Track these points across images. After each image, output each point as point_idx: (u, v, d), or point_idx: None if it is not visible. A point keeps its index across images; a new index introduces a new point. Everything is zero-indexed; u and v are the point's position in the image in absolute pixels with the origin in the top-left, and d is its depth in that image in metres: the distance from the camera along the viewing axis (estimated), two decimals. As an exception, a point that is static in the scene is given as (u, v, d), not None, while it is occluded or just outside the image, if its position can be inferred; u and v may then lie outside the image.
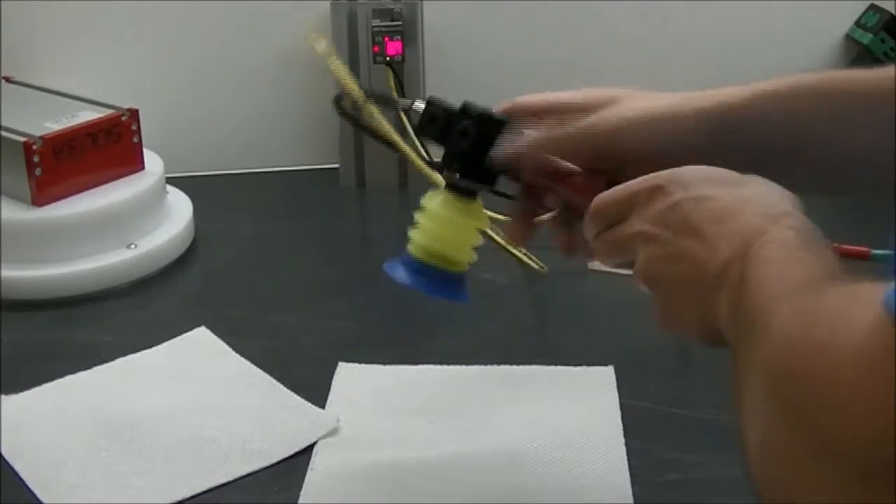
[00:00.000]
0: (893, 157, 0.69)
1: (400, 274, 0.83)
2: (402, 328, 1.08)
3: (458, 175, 0.83)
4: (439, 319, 1.07)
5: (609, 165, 0.75)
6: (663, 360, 1.03)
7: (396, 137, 0.91)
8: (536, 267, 1.15)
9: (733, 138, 0.74)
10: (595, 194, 0.73)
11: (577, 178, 0.78)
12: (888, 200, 0.74)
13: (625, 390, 0.95)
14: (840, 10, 1.46)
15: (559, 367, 0.99)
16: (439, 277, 0.83)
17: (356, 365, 1.00)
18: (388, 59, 1.33)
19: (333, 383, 0.97)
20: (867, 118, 0.70)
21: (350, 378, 0.98)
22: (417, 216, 0.84)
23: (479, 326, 1.06)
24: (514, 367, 0.99)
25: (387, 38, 1.33)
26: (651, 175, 0.69)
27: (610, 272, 1.14)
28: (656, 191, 0.67)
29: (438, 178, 0.97)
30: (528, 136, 0.78)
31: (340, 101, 0.87)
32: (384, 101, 0.89)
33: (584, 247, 0.76)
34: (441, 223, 0.83)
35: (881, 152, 0.70)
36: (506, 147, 0.78)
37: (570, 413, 0.92)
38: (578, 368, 0.98)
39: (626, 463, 0.86)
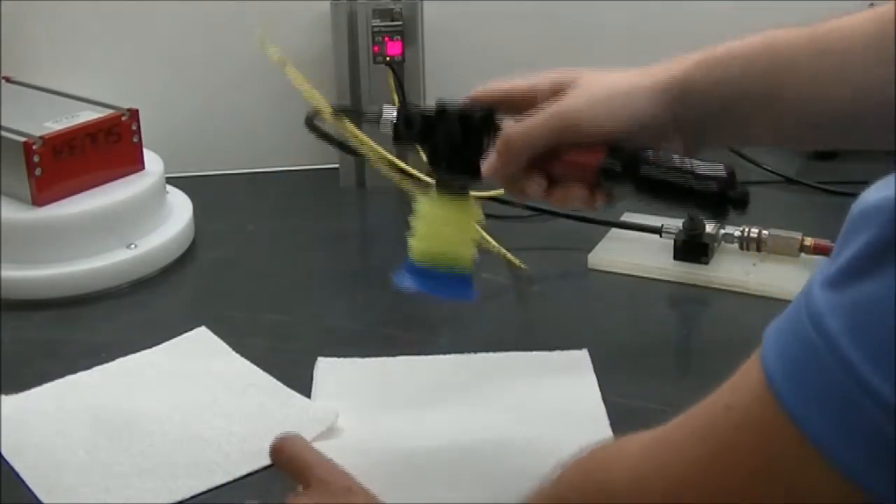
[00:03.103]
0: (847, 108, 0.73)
1: (406, 281, 0.85)
2: (403, 328, 1.08)
3: (445, 173, 0.84)
4: (441, 319, 1.07)
5: (584, 140, 0.79)
6: (659, 359, 1.03)
7: (375, 148, 0.91)
8: (520, 265, 1.15)
9: (689, 101, 0.78)
10: (593, 159, 0.78)
11: (571, 155, 0.80)
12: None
13: (618, 389, 0.95)
14: (840, 10, 1.46)
15: (536, 353, 1.00)
16: (444, 279, 0.85)
17: (335, 359, 1.00)
18: (388, 59, 1.33)
19: (315, 379, 0.98)
20: (815, 72, 0.74)
21: (331, 373, 0.99)
22: (413, 222, 0.85)
23: (482, 326, 1.06)
24: (492, 354, 0.99)
25: (387, 38, 1.33)
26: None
27: (609, 272, 1.15)
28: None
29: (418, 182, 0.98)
30: (503, 135, 0.80)
31: (313, 120, 0.89)
32: (352, 113, 0.90)
33: (603, 193, 0.80)
34: (437, 224, 0.84)
35: (834, 105, 0.73)
36: (488, 155, 0.81)
37: (553, 396, 0.94)
38: (554, 353, 1.00)
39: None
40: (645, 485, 0.51)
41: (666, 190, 0.77)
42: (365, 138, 0.91)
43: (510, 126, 0.80)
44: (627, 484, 0.52)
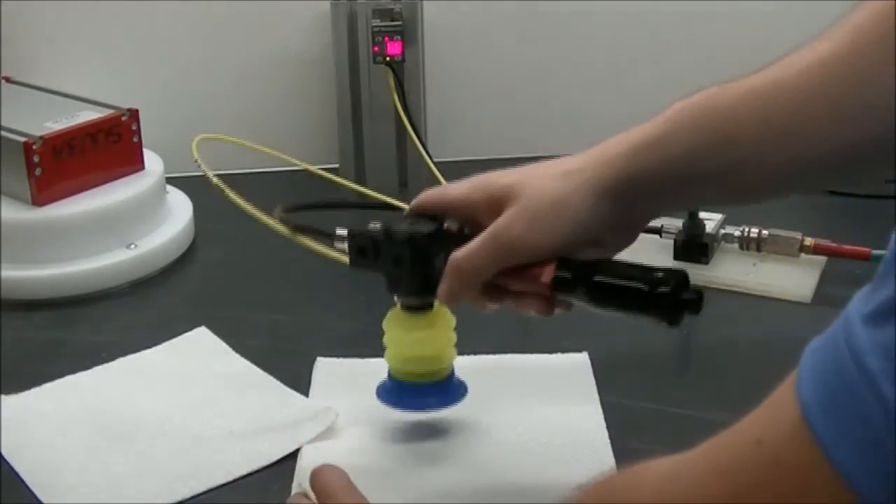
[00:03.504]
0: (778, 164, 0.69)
1: (390, 400, 0.86)
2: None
3: (404, 297, 0.83)
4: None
5: (528, 259, 0.76)
6: (659, 359, 1.02)
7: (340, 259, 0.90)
8: None
9: (632, 192, 0.74)
10: (544, 273, 0.75)
11: (521, 270, 0.77)
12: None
13: (618, 389, 0.95)
14: (840, 11, 1.46)
15: (536, 356, 1.00)
16: (426, 390, 0.85)
17: (335, 359, 1.00)
18: (388, 59, 1.33)
19: (314, 379, 0.98)
20: (764, 127, 0.70)
21: (330, 373, 0.99)
22: (385, 339, 0.85)
23: (482, 328, 1.06)
24: (491, 356, 0.99)
25: (387, 38, 1.33)
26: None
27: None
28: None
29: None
30: (450, 263, 0.77)
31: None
32: (308, 231, 0.89)
33: (560, 303, 0.78)
34: (407, 342, 0.85)
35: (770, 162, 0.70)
36: (440, 289, 0.79)
37: (551, 398, 0.94)
38: (555, 356, 0.99)
39: (608, 446, 0.87)
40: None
41: (621, 296, 0.74)
42: (324, 250, 0.91)
43: (455, 253, 0.77)
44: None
